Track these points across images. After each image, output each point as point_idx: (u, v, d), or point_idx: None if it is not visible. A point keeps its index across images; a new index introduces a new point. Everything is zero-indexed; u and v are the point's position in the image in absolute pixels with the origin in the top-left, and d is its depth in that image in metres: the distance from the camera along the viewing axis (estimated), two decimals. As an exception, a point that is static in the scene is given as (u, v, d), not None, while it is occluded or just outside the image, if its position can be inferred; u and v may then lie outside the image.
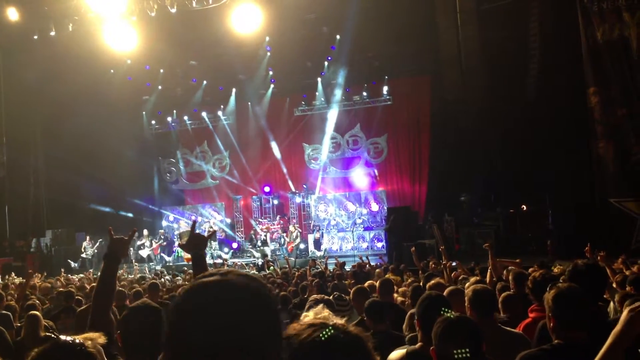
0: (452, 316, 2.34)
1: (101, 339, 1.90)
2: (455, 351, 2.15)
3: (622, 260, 9.15)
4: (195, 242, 2.62)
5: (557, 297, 2.63)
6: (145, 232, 20.76)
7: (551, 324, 2.65)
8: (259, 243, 20.66)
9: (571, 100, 16.45)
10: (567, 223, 15.95)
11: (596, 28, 15.95)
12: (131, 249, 20.61)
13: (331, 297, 4.55)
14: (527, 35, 17.46)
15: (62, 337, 1.74)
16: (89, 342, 1.75)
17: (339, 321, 1.23)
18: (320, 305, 1.58)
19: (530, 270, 7.57)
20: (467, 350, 2.16)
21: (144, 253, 20.55)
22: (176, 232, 22.39)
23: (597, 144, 16.10)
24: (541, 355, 2.58)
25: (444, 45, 18.83)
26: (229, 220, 23.51)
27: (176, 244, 20.83)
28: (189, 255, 2.64)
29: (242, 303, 1.09)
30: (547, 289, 2.75)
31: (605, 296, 4.68)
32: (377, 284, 5.60)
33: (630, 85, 15.65)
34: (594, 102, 16.07)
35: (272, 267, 15.28)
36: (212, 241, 20.90)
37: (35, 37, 18.69)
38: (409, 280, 8.35)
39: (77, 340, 1.73)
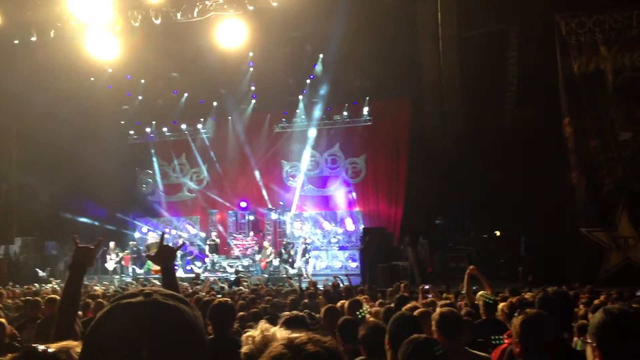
0: (420, 337, 2.37)
1: (79, 347, 1.85)
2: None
3: (589, 290, 9.31)
4: (165, 254, 2.59)
5: (525, 323, 2.66)
6: (111, 244, 20.47)
7: (518, 350, 2.68)
8: (293, 257, 20.16)
9: (547, 130, 16.76)
10: (539, 250, 16.16)
11: (573, 60, 16.33)
12: (99, 260, 20.39)
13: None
14: (506, 64, 17.78)
15: (37, 345, 1.71)
16: (64, 352, 1.72)
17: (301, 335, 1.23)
18: (263, 320, 1.58)
19: (500, 295, 7.65)
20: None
21: (110, 265, 20.27)
22: (145, 244, 22.17)
23: (570, 174, 16.39)
24: None
25: (426, 70, 19.10)
26: (203, 235, 23.33)
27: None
28: (157, 267, 2.61)
29: (167, 326, 1.04)
30: (516, 314, 2.78)
31: (573, 324, 4.74)
32: (346, 304, 5.62)
33: (604, 118, 16.00)
34: (568, 133, 16.39)
35: (246, 283, 15.21)
36: (214, 254, 20.83)
37: (16, 42, 18.48)
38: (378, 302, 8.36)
39: (50, 350, 1.70)
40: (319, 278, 16.66)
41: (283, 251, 19.91)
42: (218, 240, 21.59)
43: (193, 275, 18.16)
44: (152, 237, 22.13)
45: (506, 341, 4.12)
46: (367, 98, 21.82)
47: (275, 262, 20.50)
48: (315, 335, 1.20)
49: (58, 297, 6.21)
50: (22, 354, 1.69)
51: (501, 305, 5.59)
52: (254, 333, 2.06)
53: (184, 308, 1.10)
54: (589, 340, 2.15)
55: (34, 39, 18.15)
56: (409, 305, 4.89)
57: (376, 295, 10.51)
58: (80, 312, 5.46)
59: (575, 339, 4.57)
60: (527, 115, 16.98)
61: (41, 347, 1.70)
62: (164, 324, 1.05)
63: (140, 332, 1.01)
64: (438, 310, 3.74)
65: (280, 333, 1.67)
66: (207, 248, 21.40)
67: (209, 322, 4.25)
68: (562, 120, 16.44)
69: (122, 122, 24.39)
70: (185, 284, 13.70)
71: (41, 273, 19.29)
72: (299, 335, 1.20)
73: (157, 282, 14.63)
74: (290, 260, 19.70)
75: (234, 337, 3.94)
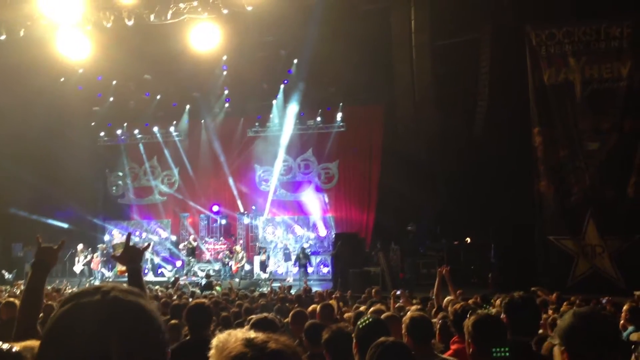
0: (387, 340, 2.37)
1: None
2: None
3: (557, 296, 9.45)
4: (131, 255, 2.56)
5: (477, 323, 2.73)
6: (80, 246, 20.15)
7: (470, 350, 2.73)
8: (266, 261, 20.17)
9: (517, 138, 17.02)
10: (508, 257, 16.38)
11: (543, 71, 16.60)
12: (67, 262, 20.08)
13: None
14: (478, 73, 18.02)
15: (0, 344, 1.67)
16: (29, 351, 1.69)
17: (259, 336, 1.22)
18: (239, 329, 1.57)
19: (470, 301, 7.72)
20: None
21: (78, 268, 19.93)
22: (111, 244, 21.91)
23: (539, 182, 16.64)
24: None
25: (398, 77, 19.25)
26: (174, 238, 23.11)
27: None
28: (122, 268, 2.59)
29: (130, 323, 1.05)
30: (467, 316, 2.83)
31: (540, 331, 4.78)
32: (318, 308, 5.62)
33: (573, 128, 16.30)
34: (537, 142, 16.63)
35: (219, 288, 15.12)
36: (190, 257, 20.54)
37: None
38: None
39: (14, 349, 1.67)
40: (293, 284, 16.67)
41: (301, 256, 19.85)
42: (195, 244, 21.40)
43: (164, 278, 17.99)
44: (118, 237, 21.86)
45: (453, 347, 4.15)
46: (341, 104, 21.91)
47: (247, 266, 20.42)
48: (272, 335, 1.20)
49: (16, 301, 6.07)
50: None
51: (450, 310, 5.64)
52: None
53: (143, 302, 1.10)
54: (556, 343, 2.17)
55: (3, 37, 17.79)
56: (373, 308, 4.91)
57: (347, 301, 10.53)
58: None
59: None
60: (498, 123, 17.22)
61: (5, 346, 1.67)
62: (127, 320, 1.05)
63: (106, 331, 1.01)
64: (409, 314, 3.75)
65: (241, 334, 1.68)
66: (184, 251, 21.21)
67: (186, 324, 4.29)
68: (532, 130, 16.70)
69: (93, 124, 24.05)
70: (157, 287, 13.53)
71: (7, 275, 18.91)
72: (258, 335, 1.20)
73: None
74: (305, 263, 19.68)
75: (210, 339, 3.91)
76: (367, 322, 2.98)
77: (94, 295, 1.07)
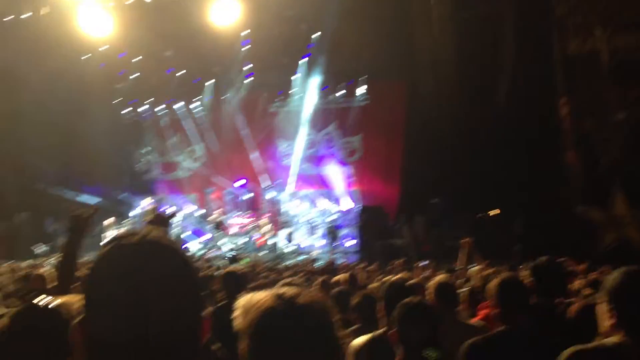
0: (413, 300, 2.40)
1: (78, 304, 1.88)
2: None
3: (585, 266, 9.37)
4: (159, 221, 2.67)
5: (501, 284, 2.76)
6: (107, 221, 20.46)
7: (496, 311, 2.76)
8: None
9: (542, 110, 16.75)
10: (534, 229, 16.23)
11: (569, 42, 16.29)
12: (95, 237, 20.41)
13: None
14: (501, 45, 17.70)
15: (38, 300, 1.73)
16: (64, 307, 1.75)
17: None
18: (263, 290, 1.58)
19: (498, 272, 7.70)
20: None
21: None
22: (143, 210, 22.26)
23: (565, 153, 16.43)
24: (484, 343, 2.66)
25: (420, 51, 19.04)
26: (201, 212, 23.31)
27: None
28: None
29: (169, 263, 1.08)
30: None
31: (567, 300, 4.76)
32: (344, 277, 5.68)
33: (600, 98, 16.01)
34: (564, 113, 16.40)
35: (246, 259, 15.31)
36: (217, 231, 21.01)
37: (8, 18, 18.24)
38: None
39: (51, 305, 1.73)
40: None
41: (331, 230, 20.01)
42: (221, 218, 21.63)
43: (189, 252, 18.18)
44: (148, 204, 22.27)
45: (481, 312, 4.16)
46: (363, 78, 21.75)
47: (272, 240, 20.56)
48: (302, 289, 1.22)
49: (45, 274, 6.23)
50: (23, 308, 1.72)
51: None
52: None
53: (178, 247, 1.14)
54: (602, 301, 2.09)
55: (25, 15, 17.92)
56: (399, 276, 4.93)
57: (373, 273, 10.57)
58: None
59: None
60: (522, 95, 16.96)
61: (43, 301, 1.73)
62: (165, 257, 1.08)
63: (145, 268, 1.04)
64: (436, 279, 3.78)
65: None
66: (211, 225, 21.46)
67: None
68: (558, 101, 16.43)
69: (116, 100, 24.23)
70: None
71: (41, 248, 19.27)
72: (287, 289, 1.21)
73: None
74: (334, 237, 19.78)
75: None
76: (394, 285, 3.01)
77: (134, 237, 1.10)
